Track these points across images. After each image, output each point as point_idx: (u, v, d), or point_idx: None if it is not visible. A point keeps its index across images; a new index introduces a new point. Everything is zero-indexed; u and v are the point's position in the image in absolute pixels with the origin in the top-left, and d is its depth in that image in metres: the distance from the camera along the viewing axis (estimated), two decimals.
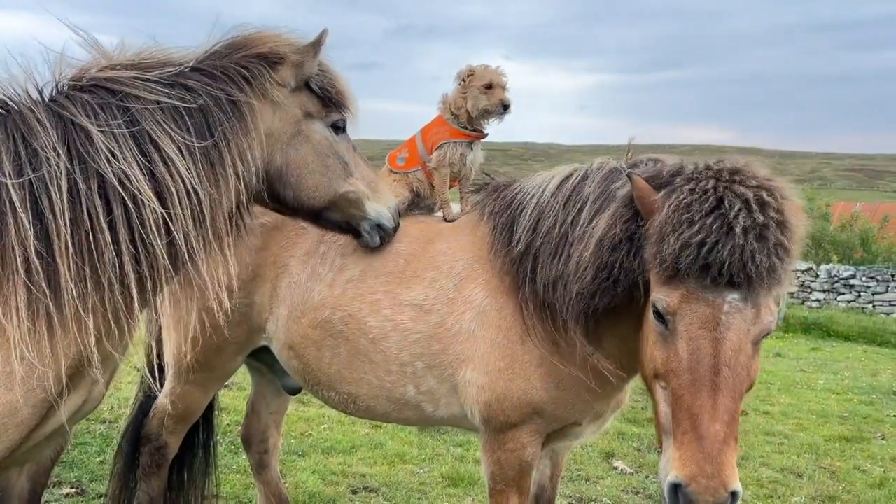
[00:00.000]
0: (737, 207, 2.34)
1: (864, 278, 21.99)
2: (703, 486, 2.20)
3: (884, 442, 7.85)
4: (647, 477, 6.18)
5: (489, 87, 3.57)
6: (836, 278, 22.34)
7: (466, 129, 3.65)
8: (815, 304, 22.05)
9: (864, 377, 11.69)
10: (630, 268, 2.65)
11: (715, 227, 2.32)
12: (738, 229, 2.30)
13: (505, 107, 3.60)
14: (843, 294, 22.16)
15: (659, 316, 2.44)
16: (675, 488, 2.27)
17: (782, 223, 2.37)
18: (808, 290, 22.58)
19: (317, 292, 3.45)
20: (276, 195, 2.68)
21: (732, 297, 2.32)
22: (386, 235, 3.12)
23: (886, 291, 21.55)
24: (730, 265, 2.28)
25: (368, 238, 3.08)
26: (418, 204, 3.71)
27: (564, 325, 2.95)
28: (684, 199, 2.42)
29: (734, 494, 2.24)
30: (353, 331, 3.37)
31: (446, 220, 3.58)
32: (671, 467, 2.30)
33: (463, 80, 3.63)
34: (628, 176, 2.67)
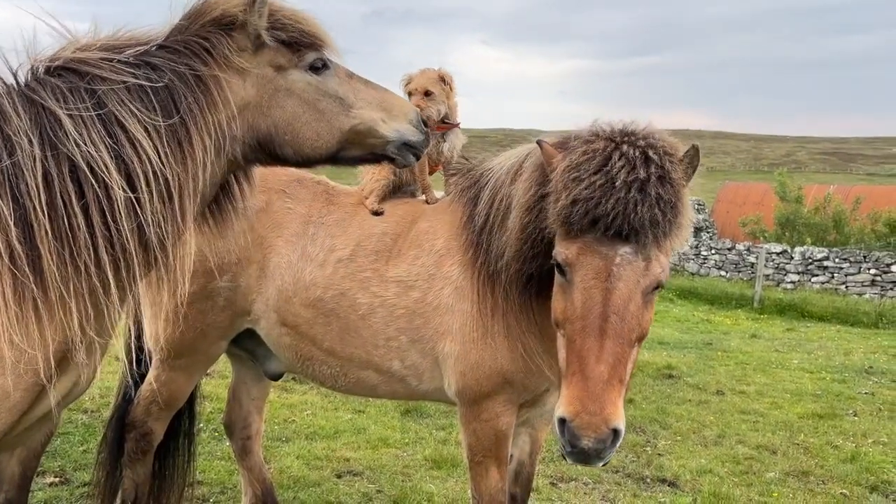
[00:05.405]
0: (620, 165, 2.48)
1: (837, 260, 22.29)
2: (586, 422, 2.34)
3: (855, 418, 8.04)
4: (626, 456, 6.30)
5: (409, 95, 3.62)
6: (809, 260, 22.65)
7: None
8: (789, 286, 22.34)
9: (837, 356, 11.92)
10: (544, 227, 2.76)
11: (599, 183, 2.46)
12: (619, 184, 2.44)
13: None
14: (817, 276, 22.46)
15: (560, 268, 2.58)
16: (562, 423, 2.39)
17: (663, 178, 2.48)
18: (783, 272, 22.89)
19: (308, 272, 3.52)
20: (276, 157, 2.57)
21: (624, 250, 2.45)
22: (418, 150, 2.74)
23: (859, 272, 21.86)
24: (614, 218, 2.42)
25: (402, 160, 2.72)
26: (400, 188, 3.77)
27: (506, 292, 3.09)
28: (576, 159, 2.57)
29: (616, 432, 2.36)
30: (344, 308, 3.46)
31: (428, 204, 3.65)
32: (559, 405, 2.43)
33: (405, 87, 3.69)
34: (538, 143, 2.79)
